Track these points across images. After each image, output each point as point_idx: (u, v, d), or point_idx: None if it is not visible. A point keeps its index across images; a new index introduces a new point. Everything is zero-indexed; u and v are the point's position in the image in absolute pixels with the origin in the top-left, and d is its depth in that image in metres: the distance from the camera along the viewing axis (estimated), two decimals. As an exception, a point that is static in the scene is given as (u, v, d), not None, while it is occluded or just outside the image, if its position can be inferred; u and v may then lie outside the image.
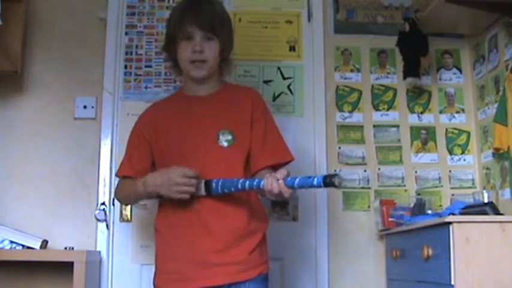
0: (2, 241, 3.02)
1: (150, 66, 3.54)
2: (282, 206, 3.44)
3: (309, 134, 3.53)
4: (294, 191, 2.26)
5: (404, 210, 3.18)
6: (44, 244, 3.09)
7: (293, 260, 3.41)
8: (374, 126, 3.58)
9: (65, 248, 3.15)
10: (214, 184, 2.36)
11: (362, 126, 3.58)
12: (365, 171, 3.52)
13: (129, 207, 3.37)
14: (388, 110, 3.60)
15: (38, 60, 3.48)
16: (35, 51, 3.48)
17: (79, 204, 3.36)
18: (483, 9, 3.20)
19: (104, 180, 3.39)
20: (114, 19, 3.55)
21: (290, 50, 3.63)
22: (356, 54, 3.65)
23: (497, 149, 3.26)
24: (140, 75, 3.53)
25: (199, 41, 2.52)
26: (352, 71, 3.63)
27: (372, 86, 3.63)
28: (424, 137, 3.59)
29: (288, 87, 3.58)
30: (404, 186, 3.53)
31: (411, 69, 3.46)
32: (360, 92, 3.61)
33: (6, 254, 2.97)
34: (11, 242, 3.03)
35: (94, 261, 3.18)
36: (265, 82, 3.56)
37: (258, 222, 2.53)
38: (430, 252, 2.65)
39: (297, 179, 2.21)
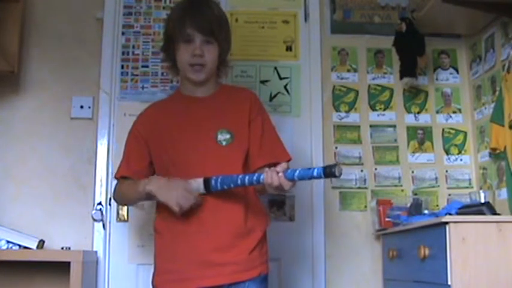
0: (-1, 241, 3.03)
1: (147, 66, 3.54)
2: (279, 206, 3.44)
3: (306, 134, 3.53)
4: (294, 184, 2.27)
5: (401, 210, 3.18)
6: (41, 244, 3.08)
7: (290, 260, 3.41)
8: (371, 126, 3.59)
9: (62, 248, 3.15)
10: (213, 181, 2.36)
11: (359, 126, 3.58)
12: (362, 171, 3.52)
13: (125, 207, 3.36)
14: (384, 110, 3.61)
15: (35, 60, 3.47)
16: (32, 51, 3.47)
17: (76, 204, 3.36)
18: (480, 9, 3.20)
19: (101, 180, 3.38)
20: (111, 19, 3.55)
21: (287, 50, 3.64)
22: (353, 54, 3.65)
23: (493, 149, 3.26)
24: (137, 75, 3.53)
25: (199, 44, 2.53)
26: (348, 71, 3.64)
27: (369, 86, 3.63)
28: (420, 137, 3.59)
29: (285, 87, 3.58)
30: (401, 186, 3.53)
31: (408, 69, 3.46)
32: (357, 92, 3.61)
33: (3, 254, 2.97)
34: (8, 242, 3.03)
35: (91, 261, 3.18)
36: (262, 82, 3.56)
37: (257, 220, 2.52)
38: (427, 252, 2.65)
39: (297, 171, 2.21)
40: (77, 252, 2.96)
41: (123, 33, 3.57)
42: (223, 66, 2.68)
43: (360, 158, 3.54)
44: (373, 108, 3.60)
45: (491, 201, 2.90)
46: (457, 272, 2.46)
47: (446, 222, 2.50)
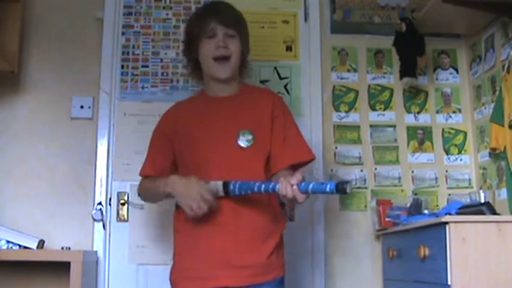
0: (-1, 241, 3.03)
1: (147, 66, 3.54)
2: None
3: (306, 134, 3.49)
4: (307, 197, 2.28)
5: (401, 210, 3.18)
6: (41, 244, 3.08)
7: (290, 260, 3.38)
8: (371, 126, 3.59)
9: (62, 248, 3.15)
10: (232, 186, 2.39)
11: (359, 126, 3.58)
12: (361, 171, 3.52)
13: (125, 206, 3.37)
14: (384, 110, 3.61)
15: (35, 60, 3.47)
16: (32, 51, 3.47)
17: (76, 204, 3.36)
18: (480, 9, 3.20)
19: (101, 180, 3.38)
20: (111, 19, 3.55)
21: (287, 50, 3.64)
22: (353, 54, 3.65)
23: (493, 149, 3.26)
24: (137, 75, 3.53)
25: (222, 37, 2.57)
26: (348, 71, 3.64)
27: (369, 86, 3.63)
28: (420, 137, 3.59)
29: (285, 87, 3.58)
30: (401, 186, 3.53)
31: (408, 69, 3.46)
32: (357, 92, 3.61)
33: (3, 254, 2.97)
34: (8, 241, 3.03)
35: (91, 261, 3.18)
36: (262, 82, 3.56)
37: (276, 223, 2.57)
38: (427, 252, 2.65)
39: (311, 185, 2.23)
40: (77, 252, 2.95)
41: (123, 33, 3.57)
42: (245, 66, 2.72)
43: (359, 158, 3.54)
44: (373, 108, 3.60)
45: (491, 201, 2.91)
46: (457, 272, 2.46)
47: (446, 222, 2.50)
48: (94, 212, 3.33)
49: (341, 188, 2.16)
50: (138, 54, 3.55)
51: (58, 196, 3.36)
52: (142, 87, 3.52)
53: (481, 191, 3.19)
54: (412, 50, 3.46)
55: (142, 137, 3.40)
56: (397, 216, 3.13)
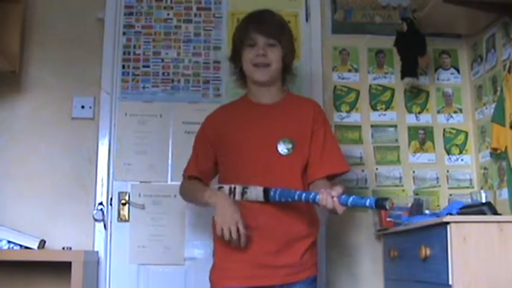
0: (0, 241, 3.02)
1: (148, 66, 3.54)
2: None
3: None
4: (346, 208, 2.35)
5: (402, 210, 3.18)
6: (42, 244, 3.08)
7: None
8: (372, 126, 3.59)
9: (63, 248, 3.15)
10: (272, 192, 2.49)
11: (360, 126, 3.58)
12: (363, 171, 3.52)
13: (126, 206, 3.37)
14: (385, 110, 3.61)
15: (36, 60, 3.48)
16: (33, 51, 3.48)
17: (77, 204, 3.36)
18: (481, 9, 3.20)
19: (102, 180, 3.39)
20: (112, 19, 3.55)
21: (288, 50, 3.63)
22: (354, 54, 3.65)
23: (494, 149, 3.26)
24: (138, 75, 3.53)
25: (262, 46, 2.65)
26: (349, 71, 3.64)
27: (370, 86, 3.63)
28: (421, 137, 3.59)
29: (286, 87, 3.58)
30: (402, 186, 3.53)
31: (409, 69, 3.45)
32: (358, 92, 3.61)
33: (4, 254, 2.97)
34: (9, 242, 3.03)
35: (92, 261, 3.18)
36: (263, 82, 3.56)
37: (312, 227, 2.66)
38: (428, 252, 2.65)
39: (351, 198, 2.31)
40: (78, 252, 2.96)
41: (124, 33, 3.57)
42: (288, 73, 2.79)
43: (361, 158, 3.54)
44: (374, 108, 3.60)
45: (492, 201, 2.90)
46: (458, 272, 2.46)
47: (448, 222, 2.50)
48: (95, 212, 3.34)
49: (380, 203, 2.24)
50: (139, 54, 3.56)
51: (59, 196, 3.36)
52: (143, 87, 3.52)
53: (482, 191, 3.18)
54: (413, 50, 3.46)
55: (143, 137, 3.43)
56: (398, 216, 3.13)
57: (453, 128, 3.62)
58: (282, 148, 2.62)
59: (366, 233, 3.46)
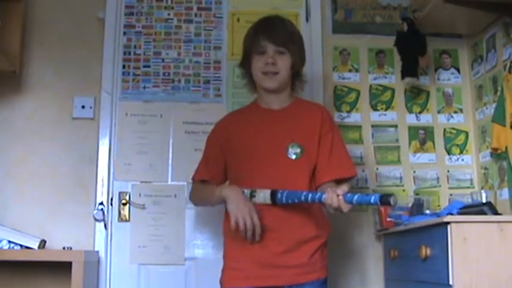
0: (0, 241, 3.02)
1: (149, 67, 3.54)
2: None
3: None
4: (352, 206, 2.38)
5: (403, 210, 3.18)
6: (42, 244, 3.09)
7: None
8: (372, 126, 3.59)
9: (63, 248, 3.15)
10: (279, 194, 2.51)
11: (360, 126, 3.58)
12: (363, 171, 3.52)
13: (127, 206, 3.37)
14: (386, 110, 3.61)
15: (37, 60, 3.47)
16: (34, 51, 3.48)
17: (77, 204, 3.36)
18: (481, 9, 3.20)
19: (102, 180, 3.38)
20: (113, 19, 3.55)
21: (288, 50, 3.63)
22: (354, 54, 3.65)
23: (495, 149, 3.26)
24: (138, 75, 3.53)
25: (271, 54, 2.68)
26: (350, 71, 3.64)
27: (370, 86, 3.63)
28: (422, 137, 3.59)
29: (286, 87, 3.58)
30: (403, 186, 3.53)
31: (409, 69, 3.45)
32: (358, 92, 3.61)
33: (5, 254, 2.97)
34: (9, 241, 3.03)
35: (92, 261, 3.18)
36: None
37: (321, 229, 2.67)
38: (428, 252, 2.65)
39: (356, 196, 2.34)
40: (79, 252, 2.95)
41: (124, 33, 3.57)
42: (298, 79, 2.82)
43: (361, 158, 3.54)
44: (374, 108, 3.60)
45: (492, 201, 2.90)
46: (459, 272, 2.46)
47: (448, 222, 2.50)
48: (95, 212, 3.34)
49: (385, 200, 2.27)
50: (139, 54, 3.56)
51: (60, 196, 3.36)
52: (144, 87, 3.52)
53: (482, 191, 3.19)
54: (414, 50, 3.46)
55: (144, 137, 3.43)
56: (399, 216, 3.13)
57: (453, 128, 3.62)
58: (291, 153, 2.65)
59: (366, 233, 3.46)
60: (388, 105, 3.61)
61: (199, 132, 3.36)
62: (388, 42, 3.58)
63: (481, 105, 3.49)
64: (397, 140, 3.58)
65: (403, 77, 3.48)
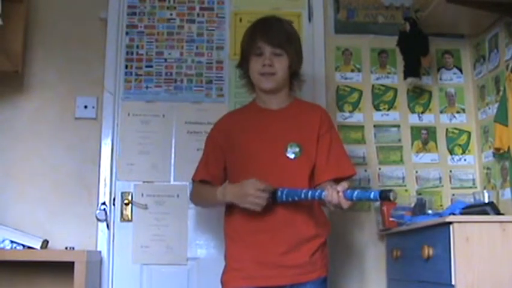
0: (3, 241, 3.02)
1: (151, 66, 3.54)
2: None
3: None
4: (352, 203, 2.39)
5: (405, 210, 3.18)
6: (45, 244, 3.09)
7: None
8: (374, 126, 3.58)
9: (66, 248, 3.15)
10: (279, 193, 2.52)
11: (363, 126, 3.58)
12: (365, 171, 3.52)
13: (129, 206, 3.37)
14: (388, 110, 3.60)
15: (39, 60, 3.48)
16: (36, 51, 3.48)
17: (80, 204, 3.36)
18: (484, 9, 3.20)
19: (105, 180, 3.39)
20: (115, 19, 3.55)
21: (291, 50, 3.63)
22: (356, 54, 3.65)
23: (497, 149, 3.26)
24: (141, 75, 3.53)
25: (268, 55, 2.69)
26: (352, 71, 3.63)
27: (373, 86, 3.63)
28: (424, 137, 3.59)
29: (289, 87, 3.58)
30: (405, 186, 3.53)
31: (412, 69, 3.45)
32: (361, 92, 3.61)
33: (7, 254, 2.97)
34: (12, 242, 3.03)
35: (95, 261, 3.18)
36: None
37: (321, 228, 2.69)
38: (431, 252, 2.65)
39: (355, 192, 2.35)
40: (81, 252, 2.96)
41: (127, 33, 3.57)
42: (296, 79, 2.83)
43: (363, 158, 3.54)
44: (377, 108, 3.60)
45: (495, 201, 2.90)
46: (461, 272, 2.46)
47: (450, 222, 2.50)
48: (98, 212, 3.34)
49: (384, 195, 2.27)
50: (142, 54, 3.56)
51: (62, 196, 3.36)
52: (146, 87, 3.52)
53: (485, 191, 3.17)
54: (416, 50, 3.46)
55: (146, 137, 3.43)
56: (401, 216, 3.13)
57: (456, 128, 3.61)
58: (290, 152, 2.66)
59: (368, 232, 3.46)
60: (391, 105, 3.61)
61: (202, 132, 3.35)
62: (390, 42, 3.58)
63: (483, 105, 3.49)
64: (399, 140, 3.58)
65: (405, 77, 3.48)
